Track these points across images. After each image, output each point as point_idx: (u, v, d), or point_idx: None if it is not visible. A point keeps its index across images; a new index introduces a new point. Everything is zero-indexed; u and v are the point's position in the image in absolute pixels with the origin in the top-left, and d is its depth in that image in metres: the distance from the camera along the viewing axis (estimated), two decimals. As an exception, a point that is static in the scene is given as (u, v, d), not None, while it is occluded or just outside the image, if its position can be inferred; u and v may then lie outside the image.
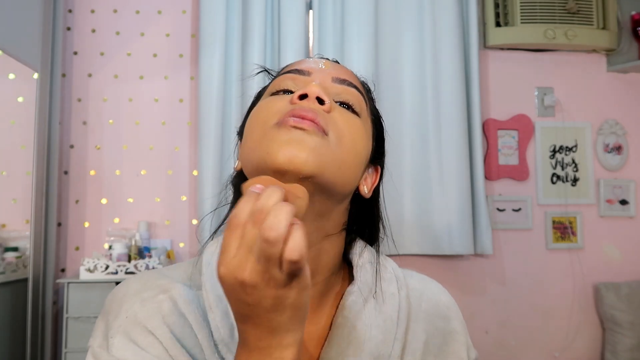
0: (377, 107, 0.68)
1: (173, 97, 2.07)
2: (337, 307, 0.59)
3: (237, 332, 0.52)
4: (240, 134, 0.64)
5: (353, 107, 0.58)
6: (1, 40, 1.64)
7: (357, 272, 0.61)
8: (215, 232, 0.64)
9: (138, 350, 0.53)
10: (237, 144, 0.66)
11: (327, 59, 0.67)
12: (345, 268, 0.66)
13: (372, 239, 0.66)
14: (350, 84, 0.59)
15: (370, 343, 0.57)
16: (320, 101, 0.53)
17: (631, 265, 2.21)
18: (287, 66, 0.64)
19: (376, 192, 0.65)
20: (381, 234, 0.66)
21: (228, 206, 0.67)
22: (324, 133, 0.52)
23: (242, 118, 0.66)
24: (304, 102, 0.53)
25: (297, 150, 0.49)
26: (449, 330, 0.63)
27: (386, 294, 0.61)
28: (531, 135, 2.21)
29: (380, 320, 0.59)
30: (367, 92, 0.65)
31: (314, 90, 0.53)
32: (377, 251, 0.65)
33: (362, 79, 0.67)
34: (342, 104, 0.57)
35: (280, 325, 0.43)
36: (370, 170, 0.62)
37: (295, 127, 0.50)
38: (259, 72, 0.70)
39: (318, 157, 0.50)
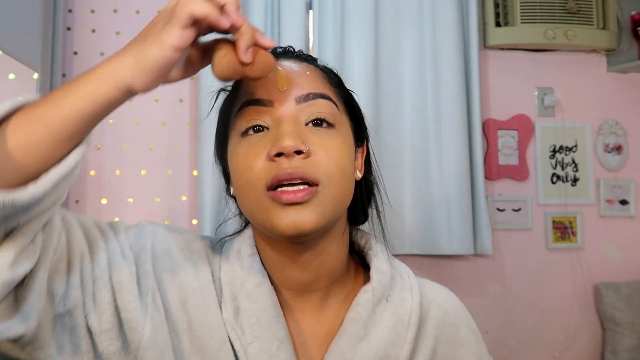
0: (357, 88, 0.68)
1: (173, 97, 2.07)
2: (351, 304, 0.61)
3: (240, 315, 0.58)
4: (219, 150, 0.66)
5: (326, 119, 0.58)
6: (1, 40, 1.64)
7: (374, 274, 0.63)
8: (242, 229, 0.67)
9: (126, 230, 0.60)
10: (215, 138, 0.68)
11: (281, 52, 0.65)
12: (358, 269, 0.67)
13: (366, 214, 0.69)
14: (316, 95, 0.59)
15: (380, 342, 0.59)
16: (298, 151, 0.55)
17: (631, 265, 2.21)
18: (247, 81, 0.61)
19: (367, 163, 0.68)
20: (380, 207, 0.69)
21: (231, 216, 0.71)
22: (315, 184, 0.55)
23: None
24: (283, 160, 0.54)
25: (301, 223, 0.54)
26: (456, 337, 0.64)
27: (399, 299, 0.62)
28: (531, 135, 2.21)
29: (391, 322, 0.60)
30: (329, 78, 0.63)
31: (289, 147, 0.54)
32: (385, 239, 0.68)
33: (322, 64, 0.66)
34: (316, 121, 0.58)
35: (143, 39, 0.48)
36: (357, 151, 0.65)
37: (291, 204, 0.54)
38: (218, 93, 0.69)
39: (321, 214, 0.55)
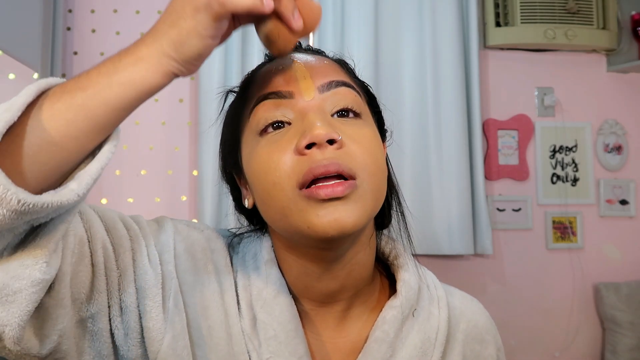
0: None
1: (173, 97, 2.07)
2: (376, 320, 0.57)
3: (257, 326, 0.54)
4: (230, 160, 0.60)
5: (353, 109, 0.54)
6: (1, 40, 1.63)
7: (402, 288, 0.58)
8: (259, 228, 0.63)
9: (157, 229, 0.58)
10: (219, 152, 0.63)
11: (298, 49, 0.60)
12: (383, 279, 0.63)
13: (390, 217, 0.64)
14: (338, 83, 0.54)
15: None
16: (331, 141, 0.49)
17: (631, 265, 2.21)
18: (258, 77, 0.58)
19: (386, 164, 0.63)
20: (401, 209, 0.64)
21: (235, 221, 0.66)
22: (353, 178, 0.49)
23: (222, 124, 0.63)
24: (315, 152, 0.49)
25: (343, 221, 0.48)
26: (484, 356, 0.61)
27: (426, 313, 0.58)
28: (531, 135, 2.21)
29: (418, 341, 0.56)
30: (346, 68, 0.60)
31: (321, 135, 0.48)
32: (411, 244, 0.63)
33: (335, 56, 0.62)
34: (342, 112, 0.53)
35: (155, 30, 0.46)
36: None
37: (330, 200, 0.48)
38: (227, 93, 0.65)
39: (362, 210, 0.49)
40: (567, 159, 2.23)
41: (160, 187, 2.04)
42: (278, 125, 0.52)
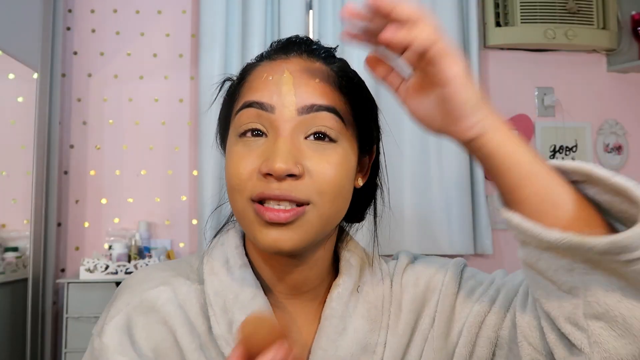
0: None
1: (173, 97, 2.07)
2: (325, 300, 0.61)
3: (234, 327, 0.56)
4: (221, 132, 0.63)
5: (328, 134, 0.55)
6: (1, 40, 1.64)
7: (343, 265, 0.63)
8: (221, 228, 0.66)
9: (124, 339, 0.56)
10: (217, 120, 0.64)
11: (294, 45, 0.60)
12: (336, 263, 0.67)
13: (361, 217, 0.67)
14: (320, 108, 0.55)
15: (358, 333, 0.59)
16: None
17: (631, 265, 2.21)
18: (252, 76, 0.58)
19: (374, 168, 0.65)
20: (379, 210, 0.67)
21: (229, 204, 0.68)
22: (303, 204, 0.53)
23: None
24: (273, 180, 0.52)
25: (282, 244, 0.52)
26: (433, 300, 0.61)
27: (370, 285, 0.62)
28: (531, 135, 2.21)
29: (364, 310, 0.60)
30: (340, 84, 0.58)
31: (280, 169, 0.51)
32: (375, 241, 0.65)
33: (336, 66, 0.60)
34: (317, 134, 0.55)
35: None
36: (363, 157, 0.62)
37: (273, 224, 0.52)
38: (222, 83, 0.65)
39: (304, 235, 0.53)
40: (567, 159, 2.22)
41: (160, 187, 2.04)
42: (256, 132, 0.55)
